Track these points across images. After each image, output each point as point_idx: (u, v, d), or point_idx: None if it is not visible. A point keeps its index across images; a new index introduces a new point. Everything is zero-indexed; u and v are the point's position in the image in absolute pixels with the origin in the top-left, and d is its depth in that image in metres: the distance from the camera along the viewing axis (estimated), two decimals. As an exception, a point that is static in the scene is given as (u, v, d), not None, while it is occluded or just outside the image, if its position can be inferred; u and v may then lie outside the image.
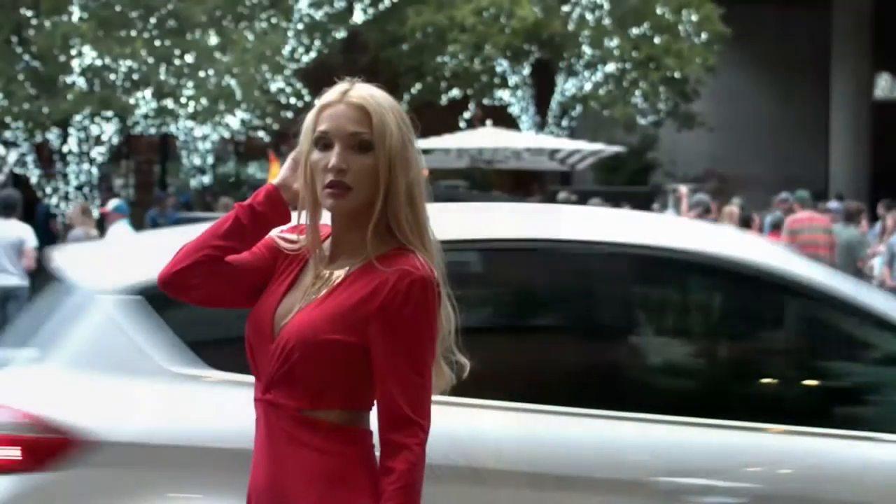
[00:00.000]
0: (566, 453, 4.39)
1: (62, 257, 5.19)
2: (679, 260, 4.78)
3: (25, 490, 4.30)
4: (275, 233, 3.24)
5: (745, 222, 16.67)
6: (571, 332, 4.78)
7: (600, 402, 4.49)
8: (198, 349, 4.43)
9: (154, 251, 4.75)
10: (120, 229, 15.29)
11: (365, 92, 3.09)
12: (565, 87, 29.57)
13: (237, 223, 3.14)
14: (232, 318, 3.97)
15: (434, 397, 3.09)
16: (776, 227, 15.59)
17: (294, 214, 3.22)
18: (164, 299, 4.14)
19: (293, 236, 3.21)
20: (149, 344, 4.42)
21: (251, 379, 3.19)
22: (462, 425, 4.33)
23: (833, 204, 21.97)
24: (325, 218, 3.19)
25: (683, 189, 21.02)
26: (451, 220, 4.70)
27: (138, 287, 4.46)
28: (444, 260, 3.14)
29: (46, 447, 4.30)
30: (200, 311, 4.40)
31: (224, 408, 4.29)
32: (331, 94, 3.11)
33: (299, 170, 3.13)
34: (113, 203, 16.13)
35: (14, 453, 4.29)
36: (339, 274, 3.10)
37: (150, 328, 4.44)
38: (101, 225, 16.19)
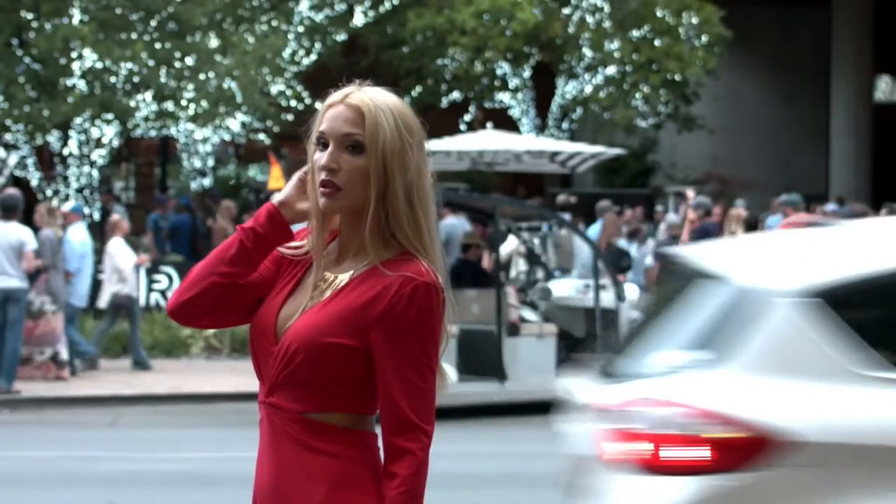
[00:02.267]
0: None
1: (713, 255, 5.22)
2: None
3: (721, 490, 4.38)
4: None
5: (751, 225, 16.64)
6: None
7: None
8: (882, 350, 4.51)
9: (823, 251, 4.88)
10: (78, 230, 15.53)
11: (366, 94, 3.07)
12: (566, 89, 29.54)
13: (242, 248, 3.10)
14: None
15: None
16: (777, 230, 15.55)
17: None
18: (842, 301, 4.45)
19: (296, 242, 3.19)
20: (833, 346, 4.50)
21: None
22: None
23: (831, 206, 21.88)
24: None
25: (690, 193, 20.98)
26: None
27: (817, 289, 4.55)
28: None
29: (743, 447, 4.38)
30: (881, 313, 4.67)
31: None
32: (336, 95, 3.10)
33: (308, 186, 3.09)
34: (70, 204, 16.45)
35: (704, 454, 4.38)
36: (344, 277, 3.09)
37: (833, 330, 4.51)
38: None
